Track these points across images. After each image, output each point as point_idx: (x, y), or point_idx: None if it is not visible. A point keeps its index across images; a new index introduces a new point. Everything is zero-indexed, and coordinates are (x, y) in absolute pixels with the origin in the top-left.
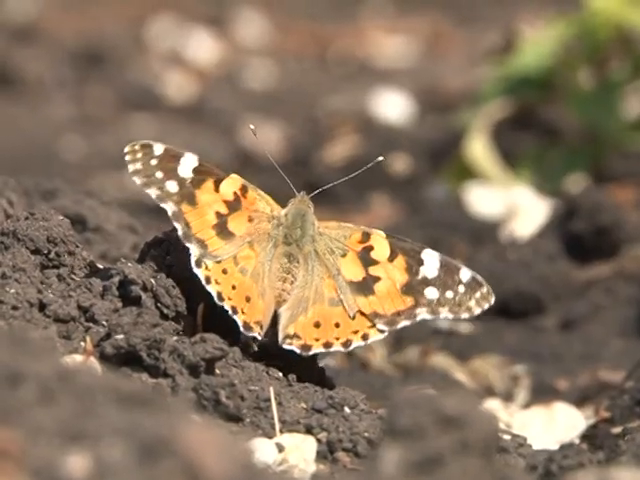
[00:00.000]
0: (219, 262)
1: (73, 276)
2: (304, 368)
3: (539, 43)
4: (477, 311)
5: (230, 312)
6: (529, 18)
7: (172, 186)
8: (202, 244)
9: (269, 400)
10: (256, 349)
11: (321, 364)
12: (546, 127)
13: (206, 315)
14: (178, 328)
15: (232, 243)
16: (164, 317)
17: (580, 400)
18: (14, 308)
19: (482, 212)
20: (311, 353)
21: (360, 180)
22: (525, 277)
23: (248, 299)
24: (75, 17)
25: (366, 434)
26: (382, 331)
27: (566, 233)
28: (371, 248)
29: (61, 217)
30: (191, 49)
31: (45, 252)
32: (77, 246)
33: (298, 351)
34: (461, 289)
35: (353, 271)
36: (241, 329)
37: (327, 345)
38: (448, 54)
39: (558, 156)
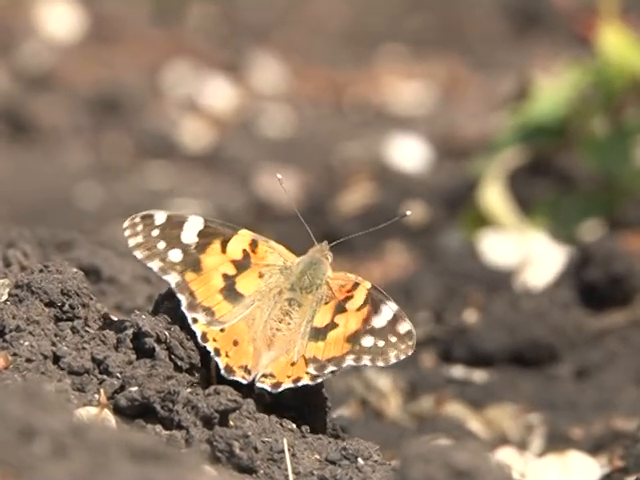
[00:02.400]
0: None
1: (87, 328)
2: (318, 419)
3: (554, 91)
4: (393, 362)
5: (212, 354)
6: (544, 64)
7: (175, 255)
8: (209, 312)
9: (283, 451)
10: (270, 401)
11: (335, 414)
12: (561, 174)
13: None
14: (192, 380)
15: (241, 305)
16: (178, 369)
17: (595, 449)
18: (28, 360)
19: (497, 260)
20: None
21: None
22: (540, 326)
23: (236, 343)
24: (91, 65)
25: None
26: (314, 377)
27: (580, 282)
28: (351, 297)
29: (75, 269)
30: (207, 95)
31: (59, 304)
32: (91, 298)
33: (269, 389)
34: (392, 339)
35: (322, 318)
36: (222, 372)
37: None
38: (465, 99)
39: (573, 203)
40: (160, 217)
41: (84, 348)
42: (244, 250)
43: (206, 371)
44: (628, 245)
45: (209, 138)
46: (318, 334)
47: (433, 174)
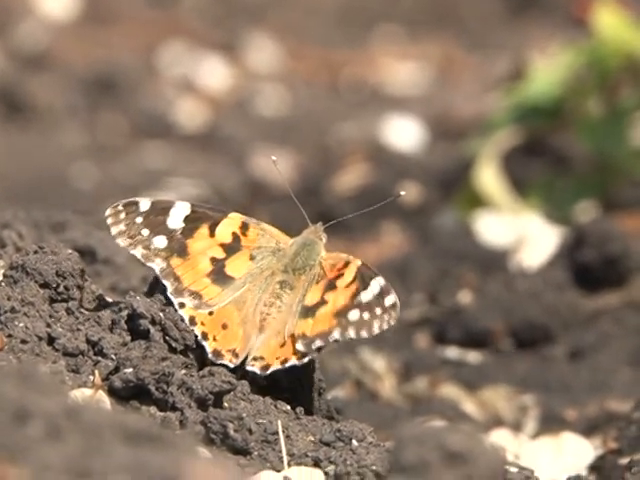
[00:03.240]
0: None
1: (82, 310)
2: (312, 401)
3: (549, 71)
4: (376, 332)
5: (200, 337)
6: (540, 45)
7: (160, 241)
8: (196, 295)
9: (277, 433)
10: (265, 383)
11: (330, 396)
12: (556, 155)
13: None
14: (186, 361)
15: (230, 287)
16: (172, 350)
17: (588, 430)
18: (23, 342)
19: (491, 241)
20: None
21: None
22: (534, 307)
23: (224, 326)
24: (87, 45)
25: (374, 467)
26: (302, 355)
27: (575, 262)
28: (341, 275)
29: (70, 251)
30: (203, 76)
31: (54, 286)
32: (86, 279)
33: (258, 372)
34: (378, 311)
35: (312, 297)
36: (209, 355)
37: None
38: (460, 80)
39: (568, 184)
40: (144, 204)
41: (79, 329)
42: (234, 233)
43: (200, 352)
44: (623, 226)
45: (204, 118)
46: (307, 312)
47: (428, 154)
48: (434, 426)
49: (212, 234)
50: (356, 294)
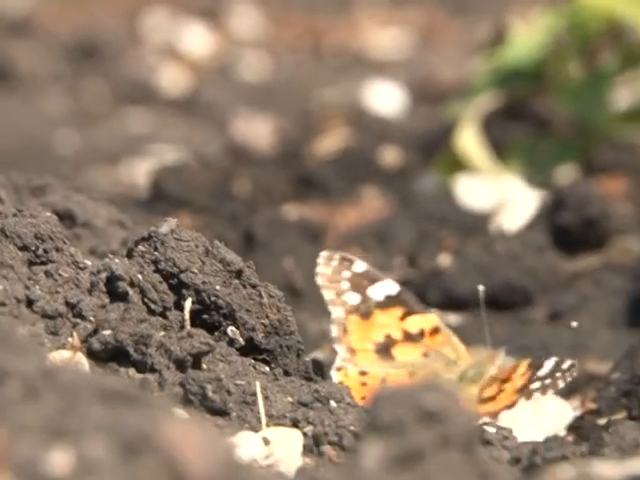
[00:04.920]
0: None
1: (61, 272)
2: (291, 362)
3: (530, 35)
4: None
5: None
6: (522, 10)
7: (353, 298)
8: (352, 351)
9: (255, 394)
10: (243, 343)
11: (308, 358)
12: (537, 119)
13: (193, 311)
14: (165, 323)
15: (387, 363)
16: (151, 312)
17: (568, 392)
18: (1, 304)
19: (472, 204)
20: None
21: (351, 172)
22: (513, 269)
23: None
24: (70, 11)
25: (352, 427)
26: None
27: (554, 225)
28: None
29: (49, 214)
30: (185, 42)
31: (33, 249)
32: (65, 242)
33: None
34: (558, 375)
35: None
36: None
37: None
38: (442, 45)
39: (548, 147)
40: (359, 266)
41: (57, 292)
42: (422, 329)
43: (179, 314)
44: (604, 189)
45: (187, 84)
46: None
47: (410, 119)
48: (410, 385)
49: (403, 318)
50: (533, 375)
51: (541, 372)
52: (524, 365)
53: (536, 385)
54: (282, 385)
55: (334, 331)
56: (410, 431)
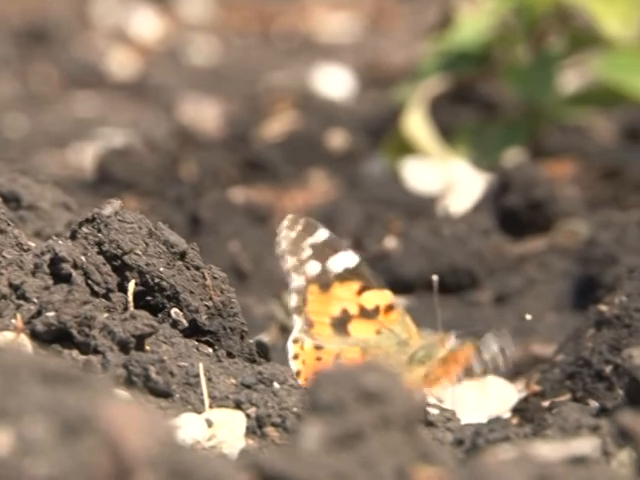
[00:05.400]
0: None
1: (4, 254)
2: (234, 344)
3: (477, 18)
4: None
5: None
6: None
7: (314, 267)
8: (310, 323)
9: (198, 376)
10: (186, 325)
11: (254, 340)
12: (484, 102)
13: (136, 292)
14: (109, 305)
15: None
16: (94, 294)
17: (513, 374)
18: None
19: (419, 187)
20: None
21: (298, 156)
22: (459, 252)
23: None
24: None
25: (295, 409)
26: None
27: (500, 208)
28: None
29: None
30: (135, 26)
31: None
32: (9, 224)
33: None
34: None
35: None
36: None
37: None
38: (391, 29)
39: (496, 130)
40: (322, 233)
41: (1, 274)
42: (377, 305)
43: (123, 296)
44: (551, 172)
45: (136, 68)
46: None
47: (358, 102)
48: (351, 366)
49: (360, 293)
50: (477, 356)
51: (485, 353)
52: (469, 347)
53: (479, 366)
54: (225, 367)
55: (294, 300)
56: (350, 412)
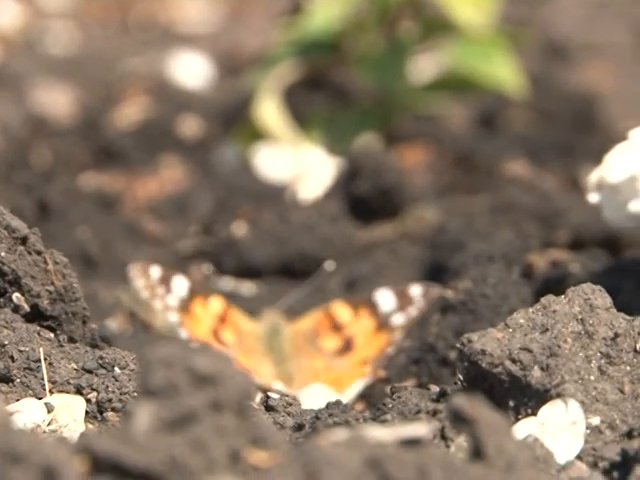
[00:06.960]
0: None
1: None
2: (76, 329)
3: (329, 6)
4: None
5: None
6: None
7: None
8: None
9: (39, 361)
10: (28, 310)
11: (99, 325)
12: (337, 89)
13: None
14: None
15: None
16: None
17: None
18: None
19: (270, 174)
20: None
21: (151, 143)
22: (308, 239)
23: None
24: None
25: (135, 394)
26: None
27: (350, 194)
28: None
29: None
30: None
31: None
32: None
33: None
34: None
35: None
36: None
37: None
38: (250, 17)
39: (349, 118)
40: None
41: None
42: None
43: None
44: (404, 159)
45: None
46: None
47: (215, 90)
48: (182, 348)
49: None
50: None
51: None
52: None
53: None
54: (67, 352)
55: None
56: (182, 394)
